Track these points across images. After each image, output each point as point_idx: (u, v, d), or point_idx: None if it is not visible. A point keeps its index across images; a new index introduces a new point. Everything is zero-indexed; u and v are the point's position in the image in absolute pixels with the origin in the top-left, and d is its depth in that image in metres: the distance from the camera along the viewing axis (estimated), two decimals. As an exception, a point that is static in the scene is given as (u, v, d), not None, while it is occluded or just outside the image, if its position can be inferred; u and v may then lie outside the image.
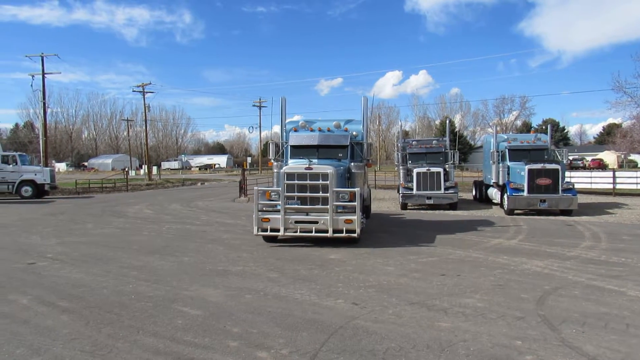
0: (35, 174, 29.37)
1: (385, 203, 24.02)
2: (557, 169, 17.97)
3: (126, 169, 57.04)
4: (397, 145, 25.04)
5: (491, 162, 20.67)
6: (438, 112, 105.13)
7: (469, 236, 12.95)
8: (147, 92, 54.50)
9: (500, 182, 19.59)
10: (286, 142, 13.78)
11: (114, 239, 13.08)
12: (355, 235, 10.89)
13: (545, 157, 19.69)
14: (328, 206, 10.91)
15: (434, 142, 23.62)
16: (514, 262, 9.46)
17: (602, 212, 18.76)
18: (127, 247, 11.54)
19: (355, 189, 11.13)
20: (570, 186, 18.41)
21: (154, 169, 66.88)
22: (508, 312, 6.23)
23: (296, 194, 11.21)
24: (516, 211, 18.52)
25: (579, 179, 27.73)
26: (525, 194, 17.99)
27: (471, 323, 5.78)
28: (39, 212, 20.73)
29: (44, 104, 41.36)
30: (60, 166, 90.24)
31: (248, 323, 5.86)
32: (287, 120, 14.57)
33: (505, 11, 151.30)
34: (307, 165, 11.33)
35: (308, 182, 11.13)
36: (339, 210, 11.05)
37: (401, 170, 22.06)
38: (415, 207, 21.22)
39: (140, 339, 5.37)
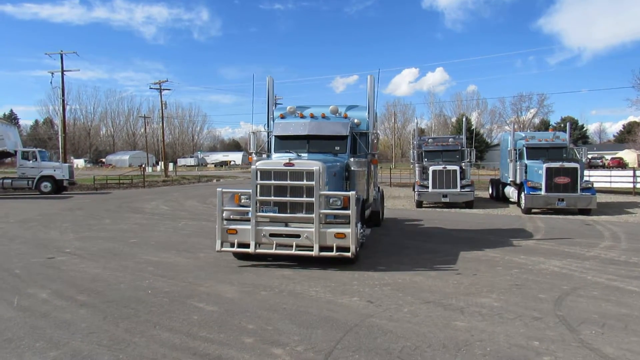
0: (55, 170, 29.86)
1: (400, 201, 23.91)
2: (576, 168, 17.70)
3: (143, 166, 57.69)
4: (412, 143, 24.90)
5: (508, 160, 20.44)
6: (454, 110, 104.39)
7: (485, 235, 12.82)
8: (163, 90, 55.13)
9: (518, 181, 19.37)
10: (271, 132, 11.41)
11: (131, 234, 13.22)
12: (348, 254, 8.21)
13: (564, 155, 19.44)
14: (313, 214, 8.34)
15: (450, 140, 23.48)
16: (532, 261, 9.34)
17: (622, 212, 18.44)
18: (144, 243, 11.66)
19: (350, 193, 8.46)
20: (589, 185, 18.13)
21: (170, 165, 67.57)
22: (525, 312, 6.15)
23: (273, 198, 8.62)
24: (533, 210, 18.29)
25: (598, 178, 27.33)
26: (543, 192, 17.76)
27: (488, 323, 5.72)
28: (57, 208, 21.05)
29: (63, 101, 42.00)
30: (79, 162, 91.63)
31: (263, 320, 5.88)
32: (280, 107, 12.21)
33: (524, 8, 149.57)
34: (288, 161, 8.57)
35: (288, 182, 8.54)
36: (328, 221, 8.52)
37: (417, 168, 21.94)
38: (431, 205, 21.07)
39: (157, 334, 5.42)
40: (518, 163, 19.53)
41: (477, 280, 7.87)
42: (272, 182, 8.62)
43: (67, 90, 45.72)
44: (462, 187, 20.14)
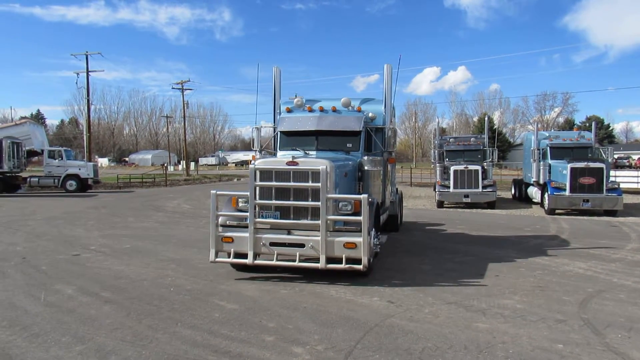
0: (80, 169, 30.44)
1: (421, 201, 23.75)
2: (602, 168, 17.34)
3: (165, 165, 58.45)
4: (433, 142, 24.72)
5: (531, 160, 20.11)
6: (476, 109, 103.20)
7: (507, 235, 12.65)
8: (185, 89, 55.73)
9: (541, 181, 19.05)
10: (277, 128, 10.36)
11: (153, 232, 13.41)
12: (360, 267, 7.23)
13: (589, 155, 19.06)
14: (320, 221, 7.35)
15: (472, 139, 23.25)
16: (555, 263, 9.18)
17: (650, 213, 17.99)
18: (166, 241, 11.81)
19: (361, 196, 7.31)
20: (615, 186, 17.73)
21: (192, 164, 68.31)
22: (549, 314, 6.05)
23: (274, 201, 7.67)
24: (557, 211, 17.98)
25: (624, 179, 26.78)
26: (567, 193, 17.44)
27: (510, 325, 5.65)
28: (82, 206, 21.47)
29: (88, 100, 42.83)
30: (103, 161, 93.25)
31: (284, 318, 5.90)
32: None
33: (549, 5, 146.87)
34: (291, 160, 7.63)
35: (291, 184, 7.60)
36: (336, 228, 7.53)
37: (438, 168, 21.77)
38: (452, 205, 20.88)
39: (179, 331, 5.49)
40: (542, 163, 19.20)
41: (499, 281, 7.77)
42: (273, 183, 7.66)
43: (91, 90, 46.62)
44: (484, 187, 19.90)
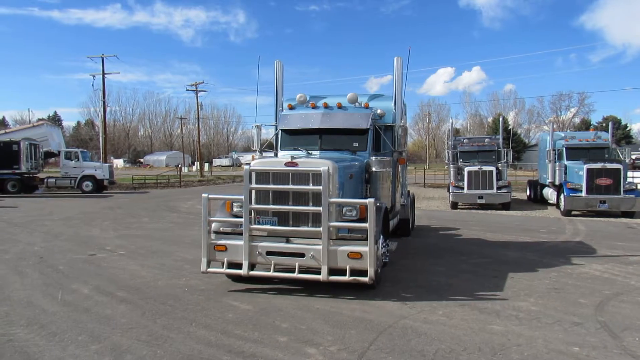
0: (95, 170, 30.85)
1: (435, 202, 23.63)
2: (619, 169, 17.09)
3: (179, 166, 58.92)
4: (447, 143, 24.58)
5: (547, 161, 19.89)
6: (490, 109, 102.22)
7: (522, 237, 12.53)
8: (199, 91, 56.16)
9: (557, 182, 18.83)
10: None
11: (168, 233, 13.52)
12: (366, 279, 6.55)
13: (606, 156, 18.80)
14: (321, 228, 6.72)
15: (486, 140, 23.08)
16: (571, 265, 9.07)
17: (669, 215, 17.67)
18: (180, 241, 11.90)
19: (368, 200, 6.61)
20: (633, 187, 17.48)
21: (206, 165, 68.77)
22: (565, 317, 5.98)
23: (271, 206, 7.06)
24: (573, 212, 17.76)
25: (642, 180, 26.25)
26: (583, 194, 17.22)
27: (525, 327, 5.59)
28: (98, 206, 21.73)
29: (104, 102, 43.38)
30: (118, 162, 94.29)
31: (297, 319, 5.92)
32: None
33: (565, 5, 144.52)
34: (290, 160, 7.01)
35: (290, 186, 6.98)
36: (340, 236, 6.90)
37: (452, 169, 21.63)
38: (466, 206, 20.73)
39: (193, 331, 5.53)
40: (557, 164, 18.99)
41: (514, 283, 7.69)
42: (271, 186, 7.04)
43: (107, 92, 47.19)
44: (499, 188, 19.74)
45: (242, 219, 7.03)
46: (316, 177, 6.81)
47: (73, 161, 30.52)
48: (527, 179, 29.28)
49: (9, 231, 13.75)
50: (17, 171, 28.49)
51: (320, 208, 6.69)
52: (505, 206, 19.78)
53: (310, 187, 6.87)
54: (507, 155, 21.34)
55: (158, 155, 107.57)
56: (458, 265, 9.02)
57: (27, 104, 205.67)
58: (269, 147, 10.15)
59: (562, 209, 17.91)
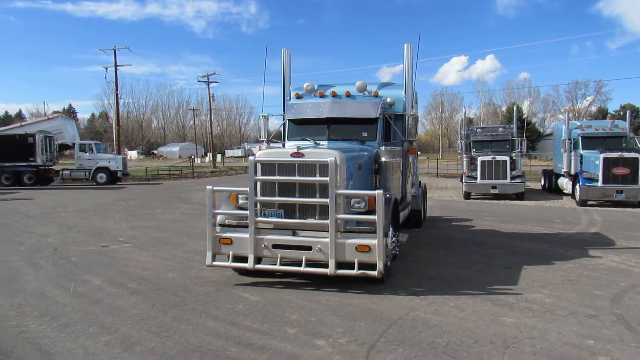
0: (109, 162, 31.15)
1: (448, 192, 23.44)
2: (637, 158, 16.76)
3: (192, 157, 59.23)
4: (460, 133, 24.32)
5: (562, 150, 19.59)
6: (505, 98, 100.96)
7: (536, 227, 12.35)
8: (211, 82, 56.34)
9: (572, 172, 18.53)
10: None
11: (180, 224, 13.58)
12: (374, 273, 6.40)
13: (623, 145, 18.45)
14: (328, 220, 6.58)
15: (499, 129, 22.81)
16: (587, 256, 8.91)
17: (688, 204, 17.32)
18: (192, 232, 11.93)
19: (376, 192, 6.42)
20: (652, 176, 17.12)
21: (218, 156, 69.00)
22: (579, 309, 5.86)
23: (277, 198, 6.92)
24: (589, 202, 17.48)
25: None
26: (599, 184, 16.94)
27: (538, 319, 5.50)
28: (112, 198, 21.93)
29: (117, 94, 43.62)
30: (132, 154, 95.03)
31: (306, 311, 5.89)
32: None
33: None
34: (296, 151, 6.85)
35: (296, 178, 6.81)
36: (348, 228, 6.74)
37: (464, 159, 21.44)
38: (479, 196, 20.53)
39: (203, 322, 5.53)
40: (573, 153, 18.67)
41: (527, 274, 7.58)
42: (276, 177, 6.89)
43: (120, 84, 47.44)
44: (513, 178, 19.50)
45: (247, 212, 6.89)
46: (323, 168, 6.62)
47: (87, 153, 30.84)
48: (541, 168, 28.89)
49: (25, 223, 13.92)
50: (32, 163, 28.87)
51: (327, 200, 6.53)
52: (519, 196, 19.55)
53: (317, 178, 6.69)
54: (521, 145, 21.06)
55: (171, 146, 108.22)
56: (470, 257, 8.91)
57: (43, 97, 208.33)
58: (277, 137, 10.05)
59: (577, 199, 17.66)
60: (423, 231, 11.72)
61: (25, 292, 6.83)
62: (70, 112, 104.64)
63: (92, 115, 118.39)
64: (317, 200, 6.75)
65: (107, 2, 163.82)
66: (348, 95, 9.21)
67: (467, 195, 20.26)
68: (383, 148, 8.32)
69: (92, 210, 17.20)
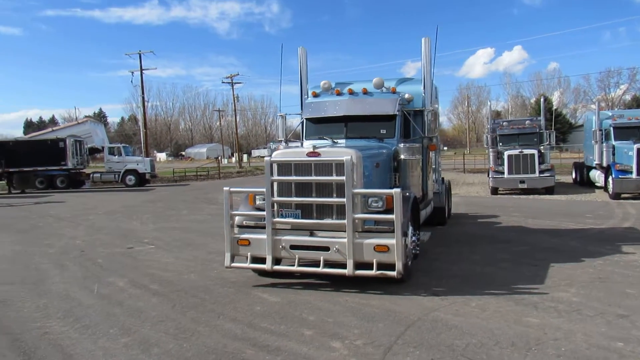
0: (137, 164, 31.75)
1: (474, 188, 23.03)
2: (674, 148, 16.07)
3: (219, 158, 59.89)
4: (486, 126, 23.84)
5: (593, 141, 18.95)
6: (533, 90, 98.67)
7: (566, 223, 11.98)
8: (235, 83, 56.75)
9: (604, 164, 17.91)
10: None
11: (204, 225, 13.71)
12: (393, 273, 6.28)
13: (659, 135, 17.72)
14: (346, 220, 6.46)
15: (527, 122, 22.24)
16: (619, 252, 8.58)
17: None
18: (215, 233, 11.99)
19: (393, 191, 6.31)
20: (689, 167, 16.41)
21: (244, 157, 69.64)
22: (609, 309, 5.63)
23: (293, 199, 6.88)
24: (623, 195, 16.86)
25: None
26: (634, 176, 16.30)
27: (564, 320, 5.30)
28: (139, 200, 22.33)
29: (143, 98, 44.47)
30: (161, 156, 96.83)
31: (324, 312, 5.83)
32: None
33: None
34: (312, 150, 6.81)
35: (313, 177, 6.74)
36: (366, 228, 6.64)
37: (491, 153, 20.97)
38: (507, 191, 20.09)
39: (220, 324, 5.53)
40: (604, 144, 18.04)
41: (554, 272, 7.33)
42: (293, 177, 6.83)
43: (147, 87, 48.36)
44: (541, 171, 18.98)
45: (265, 212, 6.85)
46: (339, 167, 6.51)
47: (116, 156, 31.51)
48: (573, 161, 28.09)
49: (55, 225, 14.29)
50: (64, 167, 29.66)
51: (344, 199, 6.43)
52: (549, 190, 19.03)
53: (334, 177, 6.59)
54: (549, 137, 20.49)
55: (199, 147, 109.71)
56: (495, 254, 8.70)
57: (74, 102, 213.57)
58: (297, 137, 10.01)
59: (610, 192, 17.06)
60: (447, 229, 11.51)
61: (51, 294, 6.99)
62: (100, 116, 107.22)
63: (122, 118, 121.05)
64: (334, 200, 6.67)
65: (133, 7, 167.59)
66: (365, 92, 9.06)
67: (495, 191, 19.84)
68: (402, 145, 8.09)
69: (120, 212, 17.54)
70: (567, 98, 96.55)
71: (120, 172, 31.11)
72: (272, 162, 6.95)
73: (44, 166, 29.30)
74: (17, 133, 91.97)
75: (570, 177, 24.44)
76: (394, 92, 9.01)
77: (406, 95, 9.03)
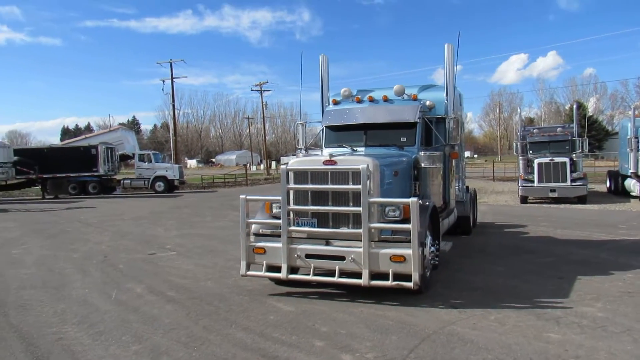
0: (167, 171, 32.30)
1: (503, 196, 22.50)
2: None
3: (247, 165, 60.46)
4: (515, 134, 23.32)
5: (628, 149, 18.30)
6: (568, 96, 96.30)
7: (597, 234, 11.54)
8: (264, 91, 57.23)
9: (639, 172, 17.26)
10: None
11: (227, 232, 13.76)
12: (410, 284, 6.13)
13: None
14: (361, 230, 6.35)
15: (558, 129, 21.64)
16: (651, 265, 8.18)
17: None
18: (237, 240, 11.80)
19: (410, 200, 6.18)
20: None
21: (273, 164, 70.03)
22: (636, 325, 5.33)
23: (309, 207, 6.81)
24: (659, 205, 16.18)
25: None
26: (671, 185, 15.63)
27: (587, 336, 5.04)
28: (166, 206, 22.66)
29: (173, 106, 45.26)
30: (191, 162, 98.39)
31: (338, 323, 5.71)
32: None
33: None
34: (328, 158, 6.76)
35: (329, 186, 6.67)
36: (383, 238, 6.51)
37: (521, 161, 20.55)
38: (537, 200, 19.54)
39: (232, 333, 5.49)
40: (640, 152, 17.39)
41: (581, 285, 7.03)
42: (309, 186, 6.77)
43: (179, 95, 49.31)
44: (573, 180, 18.41)
45: (280, 221, 6.82)
46: (355, 176, 6.43)
47: (146, 163, 32.12)
48: (608, 169, 27.16)
49: (83, 231, 14.60)
50: (95, 173, 30.41)
51: (361, 208, 6.33)
52: (581, 199, 18.42)
53: (350, 186, 6.51)
54: (582, 145, 19.88)
55: (228, 154, 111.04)
56: (520, 266, 8.41)
57: (109, 109, 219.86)
58: (318, 145, 9.98)
59: (646, 202, 16.40)
60: (472, 238, 11.22)
61: (70, 299, 7.09)
62: (134, 124, 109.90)
63: (154, 126, 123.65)
64: (350, 208, 6.57)
65: (167, 17, 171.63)
66: (386, 99, 8.96)
67: (524, 200, 19.34)
68: (422, 153, 7.97)
69: (146, 218, 17.82)
70: (604, 104, 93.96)
71: (149, 178, 31.69)
72: (289, 170, 6.91)
73: (77, 172, 30.12)
74: (55, 140, 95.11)
75: (604, 186, 23.63)
76: (415, 99, 8.88)
77: (427, 103, 8.90)
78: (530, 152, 20.51)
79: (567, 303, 6.20)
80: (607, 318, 5.59)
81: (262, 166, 79.41)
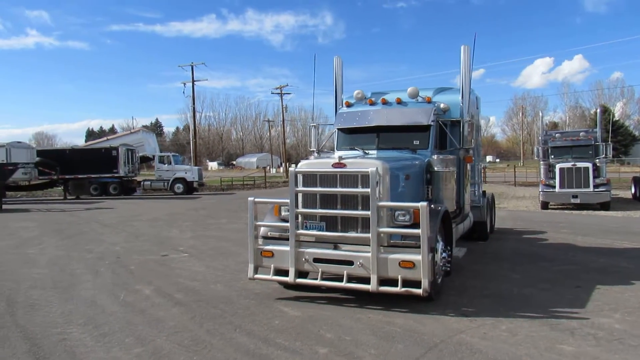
0: (186, 173, 32.61)
1: (524, 202, 22.05)
2: None
3: (266, 168, 60.69)
4: (537, 138, 22.84)
5: (654, 155, 17.72)
6: (594, 100, 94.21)
7: (619, 241, 11.15)
8: (284, 94, 57.39)
9: (666, 179, 16.69)
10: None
11: (241, 234, 13.68)
12: (419, 291, 5.96)
13: None
14: (370, 234, 6.23)
15: (581, 134, 21.08)
16: (675, 275, 7.84)
17: None
18: (250, 243, 11.97)
19: (420, 204, 6.06)
20: None
21: (293, 166, 70.24)
22: (656, 339, 5.08)
23: (318, 210, 6.69)
24: (687, 213, 15.63)
25: None
26: (699, 192, 15.08)
27: (602, 349, 4.81)
28: (184, 207, 22.81)
29: (194, 108, 45.78)
30: (212, 165, 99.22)
31: (344, 329, 5.58)
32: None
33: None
34: (337, 161, 6.63)
35: (338, 189, 6.55)
36: (392, 243, 6.35)
37: (542, 166, 20.08)
38: (558, 206, 19.07)
39: (235, 337, 5.40)
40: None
41: (599, 295, 6.76)
42: (317, 189, 6.65)
43: (201, 98, 49.92)
44: (596, 186, 17.90)
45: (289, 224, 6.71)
46: (364, 179, 6.30)
47: (166, 165, 32.48)
48: (633, 175, 26.40)
49: (99, 231, 14.75)
50: (116, 175, 30.83)
51: (369, 212, 6.20)
52: (605, 206, 17.90)
53: (359, 189, 6.37)
54: (606, 150, 19.34)
55: (249, 157, 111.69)
56: (537, 273, 8.15)
57: (133, 112, 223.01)
58: (331, 147, 9.88)
59: (672, 209, 15.86)
60: (488, 244, 10.96)
61: (78, 300, 7.10)
62: (156, 126, 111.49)
63: (177, 128, 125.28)
64: (358, 212, 6.43)
65: (191, 21, 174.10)
66: (399, 102, 8.82)
67: (545, 205, 18.89)
68: (435, 157, 7.82)
69: (163, 219, 17.93)
70: (631, 109, 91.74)
71: (169, 180, 32.01)
72: (297, 173, 6.82)
73: (98, 173, 30.58)
74: (80, 142, 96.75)
75: (629, 192, 22.97)
76: (429, 101, 8.74)
77: (442, 105, 8.71)
78: (552, 156, 20.05)
79: (584, 313, 5.96)
80: (625, 330, 5.34)
81: (281, 169, 79.63)
